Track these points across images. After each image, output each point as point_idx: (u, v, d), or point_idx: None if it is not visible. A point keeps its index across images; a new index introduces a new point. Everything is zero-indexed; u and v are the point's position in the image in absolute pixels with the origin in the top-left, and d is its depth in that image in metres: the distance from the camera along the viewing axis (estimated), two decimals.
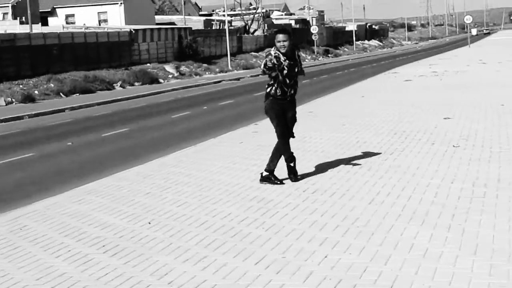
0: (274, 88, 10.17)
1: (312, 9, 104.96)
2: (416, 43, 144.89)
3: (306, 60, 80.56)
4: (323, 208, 8.58)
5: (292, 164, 10.48)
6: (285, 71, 10.01)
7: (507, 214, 7.77)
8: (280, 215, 8.39)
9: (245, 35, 79.12)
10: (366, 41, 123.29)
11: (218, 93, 36.18)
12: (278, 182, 10.21)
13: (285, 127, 10.41)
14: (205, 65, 59.77)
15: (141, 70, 48.46)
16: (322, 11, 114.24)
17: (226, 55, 63.60)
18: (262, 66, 10.09)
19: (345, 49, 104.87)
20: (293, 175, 10.43)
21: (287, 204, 8.90)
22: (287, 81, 10.11)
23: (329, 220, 7.97)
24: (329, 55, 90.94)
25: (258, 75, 53.83)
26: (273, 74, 10.07)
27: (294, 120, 10.57)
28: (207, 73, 57.05)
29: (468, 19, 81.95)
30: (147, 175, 11.80)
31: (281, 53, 9.95)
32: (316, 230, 7.62)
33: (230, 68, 61.19)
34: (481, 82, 27.71)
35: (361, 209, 8.41)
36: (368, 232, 7.40)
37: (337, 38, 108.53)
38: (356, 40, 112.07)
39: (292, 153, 10.58)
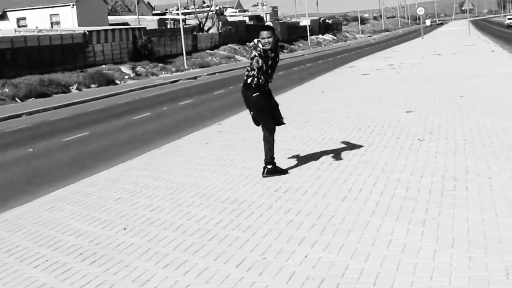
0: (257, 78, 10.29)
1: (266, 5, 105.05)
2: (370, 36, 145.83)
3: None
4: (297, 207, 8.63)
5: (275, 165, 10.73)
6: (269, 63, 10.30)
7: (479, 206, 7.89)
8: (255, 216, 8.42)
9: (200, 33, 78.97)
10: (320, 36, 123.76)
11: (176, 93, 36.09)
12: (286, 172, 10.65)
13: (273, 117, 10.71)
14: (161, 64, 59.60)
15: (97, 71, 48.16)
16: (276, 7, 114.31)
17: (182, 54, 63.43)
18: (255, 63, 10.20)
19: (300, 44, 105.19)
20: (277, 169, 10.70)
21: (260, 205, 8.94)
22: (269, 71, 10.37)
23: (305, 219, 8.03)
24: (284, 50, 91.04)
25: (215, 73, 53.89)
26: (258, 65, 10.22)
27: (277, 105, 10.85)
28: (163, 72, 56.86)
29: (420, 11, 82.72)
30: (115, 179, 11.76)
31: (267, 49, 10.20)
32: (293, 229, 7.67)
33: (186, 67, 61.05)
34: (438, 74, 28.03)
35: (335, 206, 8.47)
36: (345, 229, 7.47)
37: (291, 33, 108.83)
38: (310, 35, 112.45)
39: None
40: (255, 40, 10.37)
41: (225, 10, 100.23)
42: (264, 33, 10.24)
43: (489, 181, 9.08)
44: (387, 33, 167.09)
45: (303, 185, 9.84)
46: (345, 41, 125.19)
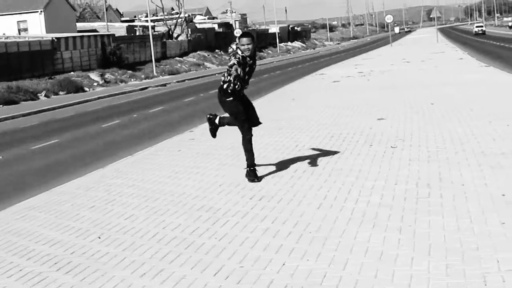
0: (232, 84, 10.48)
1: (235, 12, 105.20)
2: (339, 44, 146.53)
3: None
4: (273, 214, 8.62)
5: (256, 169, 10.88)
6: (247, 69, 10.44)
7: (454, 213, 7.93)
8: (231, 223, 8.40)
9: (169, 40, 78.85)
10: (289, 43, 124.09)
11: (146, 100, 35.99)
12: (256, 180, 10.68)
13: (249, 119, 10.83)
14: (130, 71, 59.44)
15: (65, 78, 47.89)
16: (245, 14, 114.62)
17: (151, 61, 63.34)
18: (233, 71, 10.37)
19: (269, 51, 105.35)
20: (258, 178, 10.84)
21: (236, 212, 8.91)
22: (246, 77, 10.55)
23: (281, 227, 8.02)
24: None
25: (184, 80, 53.83)
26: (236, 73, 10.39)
27: (254, 108, 11.05)
28: (132, 79, 56.72)
29: (389, 19, 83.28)
30: (88, 187, 11.67)
31: (247, 56, 10.35)
32: (269, 237, 7.65)
33: (155, 74, 60.97)
34: (408, 81, 28.21)
35: (311, 214, 8.47)
36: (321, 237, 7.46)
37: (261, 40, 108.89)
38: (280, 42, 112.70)
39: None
40: (234, 46, 10.42)
41: (194, 17, 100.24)
42: (244, 40, 10.34)
43: (462, 188, 9.13)
44: (356, 40, 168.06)
45: (277, 193, 9.83)
46: (314, 48, 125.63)
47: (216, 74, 60.34)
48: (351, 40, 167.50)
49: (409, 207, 8.42)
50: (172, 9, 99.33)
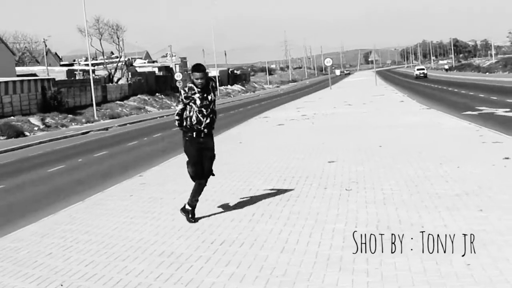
0: (189, 118, 10.87)
1: (175, 56, 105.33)
2: (278, 87, 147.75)
3: (172, 107, 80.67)
4: (237, 259, 8.57)
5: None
6: (198, 101, 10.75)
7: (419, 256, 7.98)
8: (195, 269, 8.32)
9: (109, 84, 78.52)
10: (229, 86, 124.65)
11: (89, 144, 35.69)
12: (192, 220, 10.87)
13: (200, 166, 11.01)
14: (70, 116, 59.00)
15: (5, 123, 47.29)
16: (185, 58, 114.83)
17: (92, 105, 63.00)
18: (178, 107, 11.04)
19: None
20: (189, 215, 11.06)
21: (198, 257, 8.84)
22: (203, 110, 10.83)
23: (247, 272, 7.97)
24: None
25: (126, 124, 53.55)
26: (184, 104, 10.91)
27: (212, 159, 11.19)
28: (73, 124, 56.29)
29: (328, 62, 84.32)
30: (43, 234, 11.47)
31: (199, 89, 10.72)
32: (236, 282, 7.60)
33: (96, 118, 60.61)
34: (352, 124, 28.51)
35: (275, 258, 8.45)
36: (289, 281, 7.44)
37: None
38: (220, 86, 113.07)
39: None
40: (188, 84, 10.66)
41: (134, 61, 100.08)
42: (197, 74, 10.78)
43: (421, 230, 9.20)
44: (295, 83, 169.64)
45: (238, 237, 9.79)
46: (254, 92, 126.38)
47: (158, 118, 60.24)
48: (290, 83, 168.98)
49: (373, 249, 8.45)
50: (112, 53, 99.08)
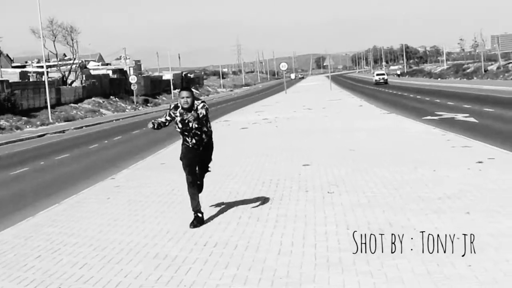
0: (158, 124, 11.17)
1: (129, 58, 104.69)
2: (232, 90, 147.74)
3: (127, 110, 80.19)
4: (235, 261, 8.57)
5: (199, 215, 10.96)
6: (179, 124, 10.89)
7: (420, 257, 8.06)
8: (194, 271, 8.30)
9: (63, 86, 77.70)
10: None
11: (48, 147, 35.28)
12: (192, 226, 10.81)
13: (194, 175, 11.08)
14: (25, 118, 58.21)
15: None
16: (139, 61, 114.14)
17: (46, 107, 62.28)
18: (162, 119, 11.13)
19: (163, 98, 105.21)
20: (198, 224, 10.91)
21: (195, 260, 8.82)
22: (185, 134, 10.97)
23: (248, 274, 7.98)
24: (149, 104, 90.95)
25: (82, 127, 53.12)
26: (166, 119, 11.07)
27: (205, 168, 11.44)
28: (28, 126, 55.58)
29: (283, 66, 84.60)
30: (26, 237, 11.33)
31: (184, 108, 10.71)
32: (240, 284, 7.60)
33: (51, 120, 59.93)
34: (317, 128, 28.65)
35: (274, 260, 8.46)
36: (295, 283, 7.47)
37: (155, 87, 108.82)
38: (173, 89, 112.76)
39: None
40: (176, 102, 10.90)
41: (88, 63, 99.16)
42: (184, 93, 10.89)
43: (415, 232, 9.31)
44: (248, 87, 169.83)
45: (230, 239, 9.79)
46: (208, 95, 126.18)
47: (114, 121, 59.82)
48: (244, 87, 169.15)
49: (370, 251, 8.52)
50: (65, 55, 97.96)
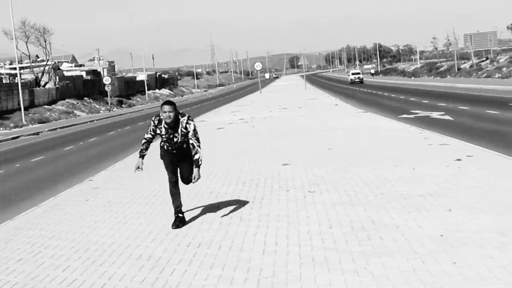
0: (146, 147, 11.08)
1: (102, 59, 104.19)
2: (206, 91, 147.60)
3: (101, 111, 79.84)
4: (219, 261, 8.54)
5: (180, 215, 10.88)
6: (164, 138, 10.79)
7: (405, 256, 8.08)
8: (179, 272, 8.26)
9: (37, 88, 77.20)
10: (157, 90, 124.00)
11: (23, 149, 35.06)
12: (174, 226, 10.73)
13: (174, 174, 10.92)
14: None
15: None
16: (113, 62, 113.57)
17: (19, 109, 61.86)
18: (147, 136, 10.96)
19: (138, 99, 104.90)
20: (180, 224, 10.81)
21: (179, 261, 8.78)
22: (168, 146, 10.87)
23: (234, 274, 7.95)
24: (123, 105, 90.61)
25: (56, 128, 52.82)
26: (151, 135, 10.92)
27: (190, 168, 10.89)
28: (1, 128, 55.27)
29: (258, 66, 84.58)
30: (6, 240, 11.23)
31: (166, 123, 10.59)
32: (226, 284, 7.58)
33: (24, 122, 59.62)
34: (294, 127, 28.68)
35: (259, 260, 8.44)
36: (281, 283, 7.45)
37: (129, 88, 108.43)
38: (148, 90, 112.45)
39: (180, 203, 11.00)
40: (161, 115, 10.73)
41: (61, 65, 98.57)
42: (166, 107, 10.64)
43: (399, 230, 9.33)
44: (223, 87, 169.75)
45: (213, 239, 9.76)
46: (182, 96, 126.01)
47: (88, 122, 59.53)
48: (218, 87, 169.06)
49: (354, 250, 8.53)
50: (37, 56, 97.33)
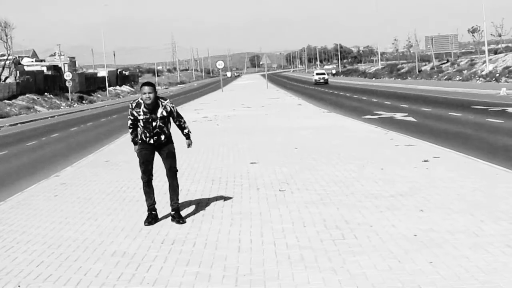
0: (135, 134, 10.94)
1: (63, 55, 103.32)
2: (167, 88, 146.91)
3: (62, 107, 79.18)
4: (195, 259, 8.54)
5: (153, 212, 10.89)
6: (141, 122, 10.73)
7: (379, 254, 8.16)
8: (155, 268, 8.25)
9: None
10: (118, 87, 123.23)
11: None
12: (146, 223, 10.74)
13: (146, 173, 11.01)
14: None
15: None
16: (73, 57, 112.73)
17: None
18: (128, 122, 10.99)
19: (98, 95, 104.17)
20: (152, 221, 10.80)
21: (154, 257, 8.76)
22: (146, 132, 10.76)
23: (211, 271, 7.96)
24: (84, 101, 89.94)
25: (17, 123, 52.25)
26: (131, 120, 10.87)
27: (169, 157, 11.08)
28: None
29: (220, 65, 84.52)
30: None
31: (146, 104, 10.50)
32: (204, 282, 7.58)
33: None
34: (258, 126, 28.73)
35: (235, 257, 8.46)
36: (259, 280, 7.48)
37: (90, 84, 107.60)
38: (109, 86, 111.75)
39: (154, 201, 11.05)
40: (137, 100, 10.56)
41: (22, 60, 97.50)
42: (146, 88, 10.59)
43: (372, 230, 9.41)
44: (183, 85, 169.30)
45: (187, 236, 9.76)
46: None
47: (49, 118, 59.01)
48: (179, 85, 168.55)
49: (330, 248, 8.59)
50: None
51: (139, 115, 10.68)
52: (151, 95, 10.49)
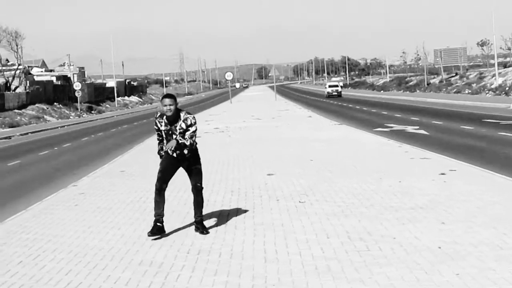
0: (161, 146, 11.03)
1: (73, 65, 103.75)
2: None
3: (71, 117, 79.46)
4: (223, 268, 8.66)
5: (159, 224, 10.74)
6: (163, 134, 10.86)
7: (405, 266, 8.26)
8: (184, 277, 8.36)
9: (7, 92, 76.66)
10: (126, 97, 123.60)
11: None
12: (150, 234, 10.68)
13: (160, 182, 10.85)
14: None
15: None
16: (83, 67, 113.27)
17: None
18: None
19: (107, 105, 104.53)
20: (157, 232, 10.70)
21: (182, 267, 8.88)
22: (169, 137, 10.84)
23: (240, 280, 8.07)
24: (93, 111, 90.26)
25: (27, 133, 52.49)
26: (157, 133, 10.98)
27: (195, 175, 10.99)
28: None
29: (229, 76, 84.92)
30: (0, 243, 11.23)
31: (166, 116, 10.61)
32: None
33: None
34: (271, 137, 28.85)
35: (262, 267, 8.57)
36: None
37: (99, 94, 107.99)
38: (117, 97, 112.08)
39: (162, 212, 10.86)
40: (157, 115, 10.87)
41: (31, 69, 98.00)
42: (167, 100, 10.68)
43: (396, 242, 9.52)
44: (191, 96, 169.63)
45: (212, 247, 9.87)
46: (151, 103, 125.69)
47: (59, 128, 59.25)
48: (186, 96, 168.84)
49: (355, 259, 8.70)
50: (7, 60, 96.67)
51: (161, 125, 10.80)
52: (172, 107, 10.56)
